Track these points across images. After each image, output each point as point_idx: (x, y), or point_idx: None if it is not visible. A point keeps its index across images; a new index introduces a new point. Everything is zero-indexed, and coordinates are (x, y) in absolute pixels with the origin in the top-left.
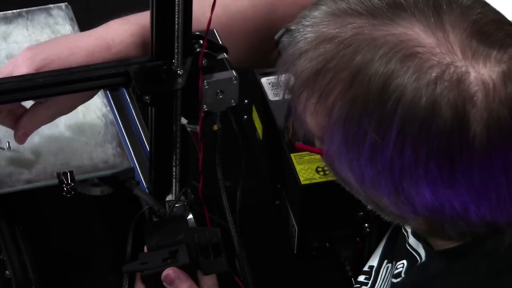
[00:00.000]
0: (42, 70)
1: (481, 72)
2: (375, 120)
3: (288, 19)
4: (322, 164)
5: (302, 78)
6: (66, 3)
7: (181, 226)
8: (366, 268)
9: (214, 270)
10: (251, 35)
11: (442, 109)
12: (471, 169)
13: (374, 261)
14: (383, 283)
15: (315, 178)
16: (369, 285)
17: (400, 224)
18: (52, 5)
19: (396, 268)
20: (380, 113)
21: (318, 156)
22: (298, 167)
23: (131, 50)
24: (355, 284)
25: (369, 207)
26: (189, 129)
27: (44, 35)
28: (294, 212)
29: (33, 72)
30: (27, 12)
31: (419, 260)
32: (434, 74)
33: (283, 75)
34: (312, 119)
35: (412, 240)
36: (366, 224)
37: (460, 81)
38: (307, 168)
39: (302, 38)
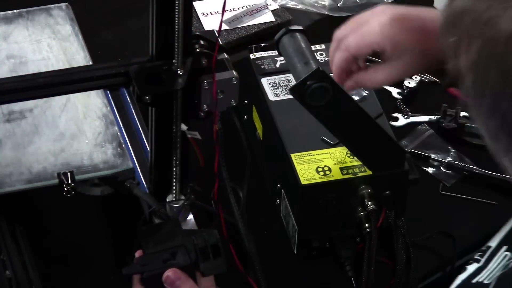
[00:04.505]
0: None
1: None
2: None
3: None
4: (322, 164)
5: None
6: (66, 3)
7: (177, 229)
8: (484, 248)
9: (213, 271)
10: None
11: None
12: None
13: (493, 242)
14: (492, 271)
15: (315, 178)
16: (480, 263)
17: None
18: (52, 5)
19: None
20: None
21: (318, 156)
22: (298, 167)
23: None
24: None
25: None
26: (189, 135)
27: (44, 35)
28: (294, 212)
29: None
30: (27, 12)
31: None
32: None
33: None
34: None
35: None
36: (366, 224)
37: None
38: (307, 168)
39: None
